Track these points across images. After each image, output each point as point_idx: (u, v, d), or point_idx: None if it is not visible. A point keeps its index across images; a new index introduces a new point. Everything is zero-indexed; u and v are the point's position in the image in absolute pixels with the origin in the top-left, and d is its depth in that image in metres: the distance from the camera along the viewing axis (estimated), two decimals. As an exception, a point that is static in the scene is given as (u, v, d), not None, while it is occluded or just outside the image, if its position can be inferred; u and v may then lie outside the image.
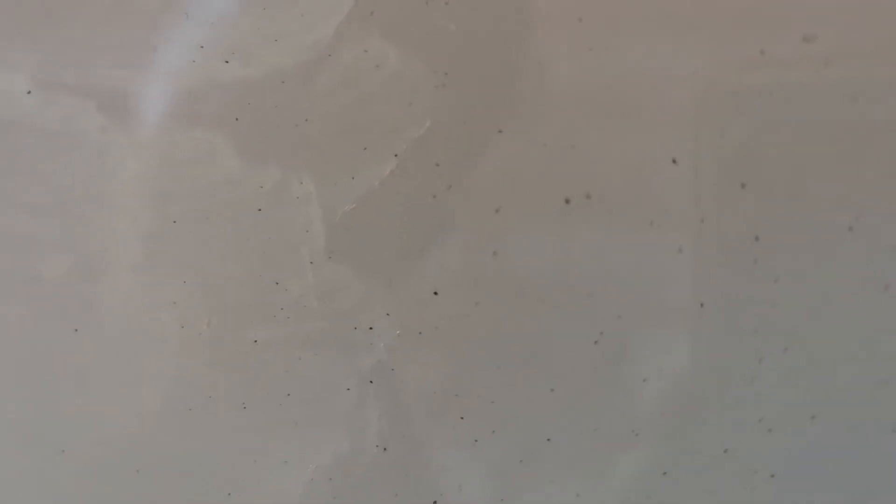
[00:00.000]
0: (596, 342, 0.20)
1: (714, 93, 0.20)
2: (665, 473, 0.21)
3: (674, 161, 0.19)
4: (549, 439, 0.20)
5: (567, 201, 0.19)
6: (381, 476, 0.19)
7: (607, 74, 0.19)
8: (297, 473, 0.20)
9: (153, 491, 0.20)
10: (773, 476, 0.22)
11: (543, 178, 0.19)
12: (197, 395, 0.20)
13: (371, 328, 0.19)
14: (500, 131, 0.19)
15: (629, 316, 0.20)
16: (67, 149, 0.19)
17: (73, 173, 0.19)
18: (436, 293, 0.19)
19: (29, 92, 0.19)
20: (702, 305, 0.20)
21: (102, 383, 0.20)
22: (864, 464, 0.23)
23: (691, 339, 0.21)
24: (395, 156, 0.19)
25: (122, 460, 0.20)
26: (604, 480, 0.21)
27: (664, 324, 0.21)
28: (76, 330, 0.20)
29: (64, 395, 0.20)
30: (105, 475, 0.20)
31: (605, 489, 0.21)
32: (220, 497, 0.20)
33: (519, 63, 0.19)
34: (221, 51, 0.19)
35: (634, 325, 0.20)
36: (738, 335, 0.21)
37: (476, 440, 0.20)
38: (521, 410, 0.20)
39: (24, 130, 0.19)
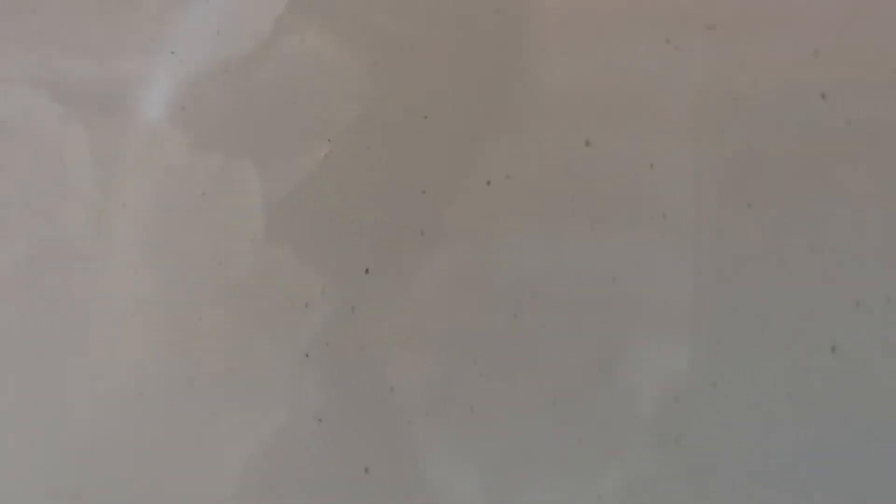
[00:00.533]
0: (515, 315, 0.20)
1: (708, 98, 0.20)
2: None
3: (651, 166, 0.20)
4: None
5: (488, 183, 0.20)
6: (318, 447, 0.20)
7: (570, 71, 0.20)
8: (237, 447, 0.21)
9: (101, 468, 0.21)
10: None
11: (467, 161, 0.20)
12: (145, 372, 0.21)
13: (307, 305, 0.20)
14: (425, 117, 0.20)
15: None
16: (26, 139, 0.20)
17: (30, 163, 0.20)
18: (367, 271, 0.20)
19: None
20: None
21: (54, 364, 0.21)
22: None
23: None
24: (329, 140, 0.20)
25: (72, 437, 0.21)
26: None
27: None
28: (34, 315, 0.21)
29: (23, 378, 0.21)
30: (56, 454, 0.21)
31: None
32: (164, 471, 0.21)
33: (453, 51, 0.20)
34: (168, 43, 0.20)
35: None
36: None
37: (407, 416, 0.20)
38: (448, 382, 0.21)
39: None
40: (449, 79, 0.20)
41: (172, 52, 0.20)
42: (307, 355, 0.20)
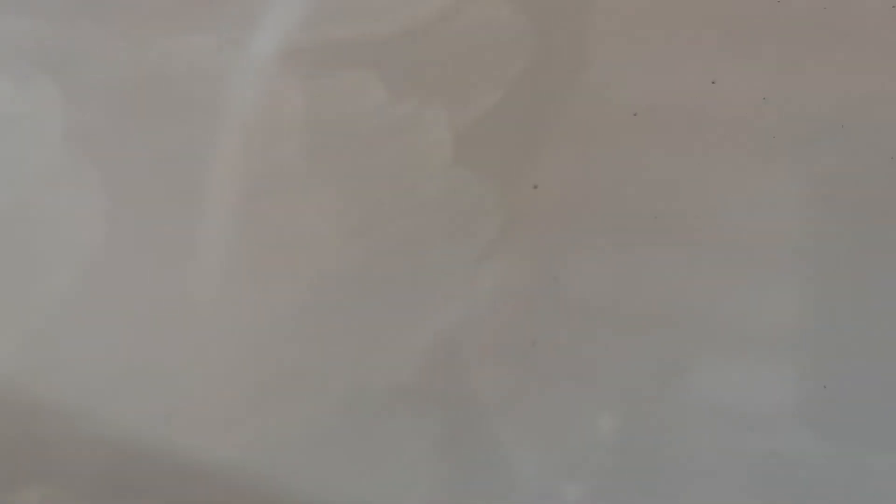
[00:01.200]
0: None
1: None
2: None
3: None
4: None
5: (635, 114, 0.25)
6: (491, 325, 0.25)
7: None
8: (418, 339, 0.25)
9: (293, 352, 0.26)
10: None
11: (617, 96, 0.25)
12: (345, 272, 0.25)
13: (484, 214, 0.25)
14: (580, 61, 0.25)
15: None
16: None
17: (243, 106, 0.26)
18: (535, 187, 0.25)
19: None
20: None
21: (261, 261, 0.26)
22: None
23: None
24: (502, 87, 0.25)
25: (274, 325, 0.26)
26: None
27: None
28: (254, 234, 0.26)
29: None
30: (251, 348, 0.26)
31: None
32: (353, 356, 0.25)
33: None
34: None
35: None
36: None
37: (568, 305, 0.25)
38: (610, 276, 0.25)
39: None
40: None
41: (376, 20, 0.26)
42: (479, 260, 0.25)
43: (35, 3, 0.33)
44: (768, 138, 0.25)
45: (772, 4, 0.26)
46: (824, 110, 0.25)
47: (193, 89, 0.28)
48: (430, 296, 0.25)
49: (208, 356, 0.28)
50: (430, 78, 0.25)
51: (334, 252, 0.26)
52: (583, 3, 0.25)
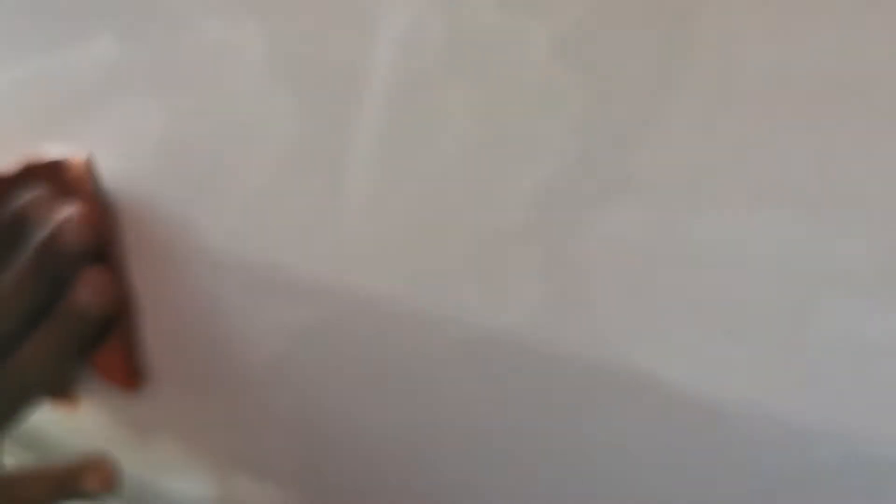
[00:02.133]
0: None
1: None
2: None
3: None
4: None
5: None
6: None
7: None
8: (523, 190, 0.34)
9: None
10: None
11: None
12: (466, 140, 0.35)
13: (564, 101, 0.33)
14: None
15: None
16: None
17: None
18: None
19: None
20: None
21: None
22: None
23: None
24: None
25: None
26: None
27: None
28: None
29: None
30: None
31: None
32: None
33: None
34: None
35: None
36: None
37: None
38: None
39: None
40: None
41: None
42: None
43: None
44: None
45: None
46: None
47: (359, 22, 0.38)
48: (530, 157, 0.34)
49: (364, 209, 0.38)
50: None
51: (464, 127, 0.35)
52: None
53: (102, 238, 0.46)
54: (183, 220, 0.46)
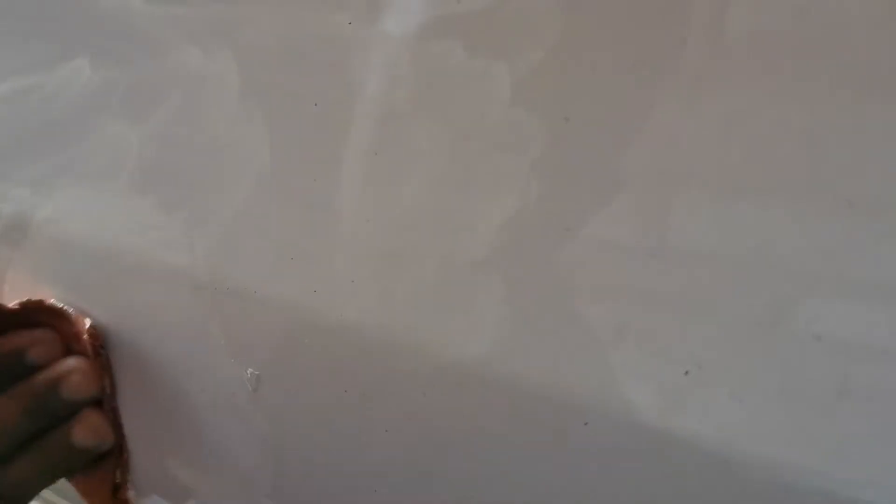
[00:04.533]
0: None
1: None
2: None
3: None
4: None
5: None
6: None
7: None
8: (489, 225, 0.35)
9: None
10: None
11: None
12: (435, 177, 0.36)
13: (526, 142, 0.35)
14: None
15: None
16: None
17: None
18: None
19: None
20: None
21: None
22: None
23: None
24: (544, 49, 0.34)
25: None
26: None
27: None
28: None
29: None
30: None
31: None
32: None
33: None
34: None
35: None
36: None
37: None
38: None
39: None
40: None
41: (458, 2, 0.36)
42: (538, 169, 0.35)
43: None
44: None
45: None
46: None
47: (331, 53, 0.39)
48: (495, 193, 0.35)
49: (339, 243, 0.39)
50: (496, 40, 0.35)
51: (433, 164, 0.36)
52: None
53: (102, 389, 0.49)
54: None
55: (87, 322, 0.48)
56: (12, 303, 0.50)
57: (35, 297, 0.50)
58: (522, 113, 0.34)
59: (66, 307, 0.49)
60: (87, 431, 0.48)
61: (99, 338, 0.48)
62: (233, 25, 0.45)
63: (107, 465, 0.50)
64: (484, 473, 0.37)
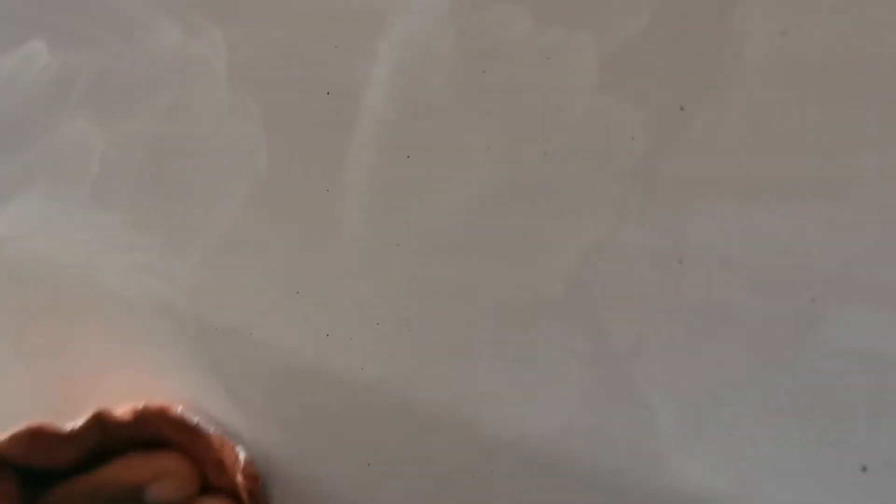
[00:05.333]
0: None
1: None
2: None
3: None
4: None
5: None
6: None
7: None
8: (565, 257, 0.26)
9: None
10: None
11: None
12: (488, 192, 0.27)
13: (632, 138, 0.25)
14: None
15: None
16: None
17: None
18: (681, 108, 0.25)
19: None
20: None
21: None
22: None
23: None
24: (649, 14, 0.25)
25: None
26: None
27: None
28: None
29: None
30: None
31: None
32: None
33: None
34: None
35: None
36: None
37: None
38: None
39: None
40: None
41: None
42: (632, 177, 0.26)
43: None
44: None
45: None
46: None
47: (350, 29, 0.30)
48: (576, 215, 0.26)
49: (357, 274, 0.30)
50: (575, 5, 0.26)
51: (483, 174, 0.27)
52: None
53: None
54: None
55: (241, 454, 0.35)
56: (122, 409, 0.36)
57: (154, 403, 0.37)
58: (613, 102, 0.25)
59: (200, 423, 0.36)
60: None
61: (257, 479, 0.35)
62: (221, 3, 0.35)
63: None
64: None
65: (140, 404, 0.35)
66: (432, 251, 0.29)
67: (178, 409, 0.36)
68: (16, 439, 0.34)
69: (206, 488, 0.35)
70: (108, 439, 0.35)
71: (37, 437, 0.34)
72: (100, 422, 0.35)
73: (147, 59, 0.40)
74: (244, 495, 0.34)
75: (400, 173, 0.29)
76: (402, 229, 0.30)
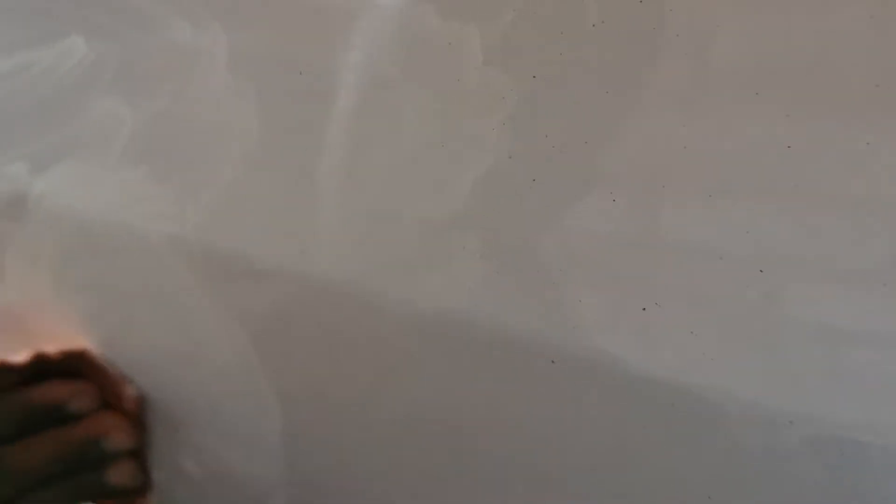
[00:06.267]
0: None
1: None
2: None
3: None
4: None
5: None
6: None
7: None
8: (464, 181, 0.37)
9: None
10: None
11: None
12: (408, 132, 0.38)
13: (503, 98, 0.36)
14: None
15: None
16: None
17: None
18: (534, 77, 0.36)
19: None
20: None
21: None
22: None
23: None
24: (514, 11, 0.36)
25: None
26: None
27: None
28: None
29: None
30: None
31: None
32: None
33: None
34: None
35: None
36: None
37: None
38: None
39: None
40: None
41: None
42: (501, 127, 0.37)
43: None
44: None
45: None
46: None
47: (319, 22, 0.41)
48: (468, 150, 0.36)
49: (327, 208, 0.41)
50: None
51: (412, 126, 0.38)
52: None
53: (138, 440, 0.51)
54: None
55: (132, 390, 0.50)
56: (55, 350, 0.51)
57: (77, 346, 0.52)
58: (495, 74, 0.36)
59: (108, 364, 0.51)
60: (122, 476, 0.50)
61: (141, 407, 0.50)
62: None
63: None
64: (462, 411, 0.39)
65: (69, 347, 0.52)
66: (379, 186, 0.40)
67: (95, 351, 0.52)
68: None
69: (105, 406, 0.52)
70: (40, 370, 0.51)
71: None
72: (38, 357, 0.52)
73: (162, 50, 0.46)
74: (130, 416, 0.50)
75: (357, 131, 0.40)
76: (358, 172, 0.40)
